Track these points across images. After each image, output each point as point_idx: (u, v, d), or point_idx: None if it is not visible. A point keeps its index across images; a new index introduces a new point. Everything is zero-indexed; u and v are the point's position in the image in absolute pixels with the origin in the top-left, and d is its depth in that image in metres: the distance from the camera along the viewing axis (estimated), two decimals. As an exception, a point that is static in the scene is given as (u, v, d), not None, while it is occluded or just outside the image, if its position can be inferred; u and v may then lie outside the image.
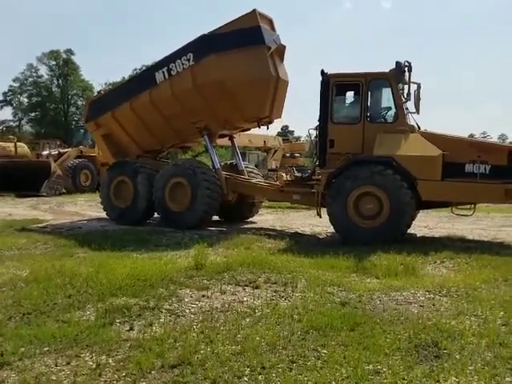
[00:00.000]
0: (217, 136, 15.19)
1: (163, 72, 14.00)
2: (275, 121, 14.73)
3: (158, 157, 16.87)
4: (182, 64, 13.62)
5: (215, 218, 14.77)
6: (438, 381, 4.22)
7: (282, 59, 13.93)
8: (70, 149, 31.13)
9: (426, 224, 14.00)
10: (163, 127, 14.70)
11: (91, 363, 4.65)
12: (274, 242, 11.27)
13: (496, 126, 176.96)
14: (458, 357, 4.67)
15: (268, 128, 14.99)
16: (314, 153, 13.94)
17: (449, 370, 4.40)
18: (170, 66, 13.85)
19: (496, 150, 11.21)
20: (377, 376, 4.32)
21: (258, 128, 14.93)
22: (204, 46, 13.32)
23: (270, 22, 13.61)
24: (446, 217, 15.15)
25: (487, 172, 10.81)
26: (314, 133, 12.70)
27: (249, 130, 15.56)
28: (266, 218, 16.58)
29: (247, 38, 12.95)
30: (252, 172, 15.73)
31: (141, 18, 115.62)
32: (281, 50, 13.79)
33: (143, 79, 14.85)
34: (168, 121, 14.51)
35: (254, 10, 13.03)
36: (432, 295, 6.80)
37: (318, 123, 12.23)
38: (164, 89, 14.07)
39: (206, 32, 13.47)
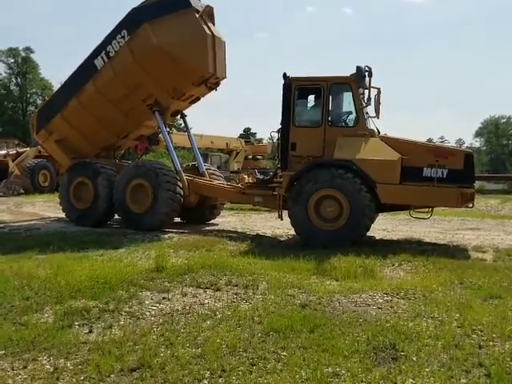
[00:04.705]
0: (169, 112, 14.93)
1: (102, 57, 13.91)
2: (222, 82, 14.71)
3: (116, 154, 16.74)
4: (118, 43, 13.59)
5: (177, 219, 14.70)
6: (396, 383, 4.29)
7: (212, 22, 14.04)
8: (28, 148, 30.52)
9: (384, 227, 14.20)
10: (114, 115, 14.56)
11: (49, 367, 4.60)
12: (236, 244, 11.28)
13: (453, 132, 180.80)
14: (415, 359, 4.76)
15: (216, 90, 14.86)
16: (275, 155, 13.98)
17: (406, 371, 4.48)
18: (108, 49, 13.78)
19: (453, 154, 11.43)
20: (336, 378, 4.37)
21: (208, 91, 14.82)
22: (135, 19, 13.41)
23: None
24: (404, 220, 15.42)
25: (444, 176, 11.01)
26: (276, 135, 12.73)
27: (199, 99, 15.28)
28: (227, 219, 16.57)
29: (174, 4, 13.23)
30: (214, 174, 15.70)
31: (103, 17, 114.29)
32: (209, 13, 13.91)
33: (84, 70, 14.49)
34: (117, 106, 14.39)
35: None
36: (390, 297, 6.91)
37: (280, 126, 12.30)
38: (106, 73, 13.95)
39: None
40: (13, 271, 7.98)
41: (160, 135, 15.51)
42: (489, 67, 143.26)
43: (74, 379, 4.36)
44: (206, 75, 13.88)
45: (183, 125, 18.02)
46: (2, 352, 4.90)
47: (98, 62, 13.98)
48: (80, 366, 4.60)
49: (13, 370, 4.54)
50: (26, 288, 7.02)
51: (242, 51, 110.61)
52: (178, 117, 16.39)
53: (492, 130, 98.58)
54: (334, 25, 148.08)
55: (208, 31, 13.49)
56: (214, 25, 14.05)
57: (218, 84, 14.71)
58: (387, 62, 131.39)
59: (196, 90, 14.63)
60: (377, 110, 12.09)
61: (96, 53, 14.09)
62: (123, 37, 13.50)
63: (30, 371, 4.51)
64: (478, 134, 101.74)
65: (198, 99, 15.28)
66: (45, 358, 4.79)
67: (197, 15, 13.33)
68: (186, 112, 16.01)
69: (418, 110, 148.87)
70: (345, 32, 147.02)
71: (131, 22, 13.48)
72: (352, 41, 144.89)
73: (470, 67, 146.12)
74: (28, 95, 73.97)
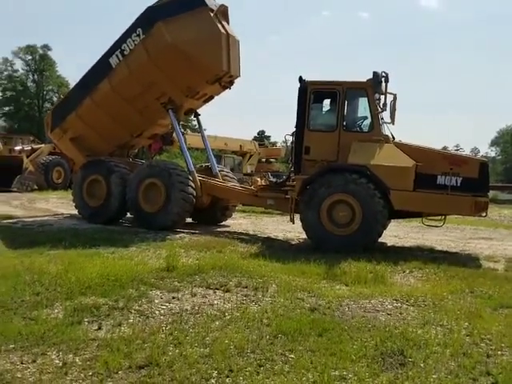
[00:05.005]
0: (182, 111, 14.98)
1: (117, 55, 14.02)
2: (236, 81, 14.76)
3: (130, 153, 16.82)
4: (133, 41, 13.70)
5: (188, 220, 14.74)
6: (403, 388, 4.29)
7: (227, 21, 14.14)
8: (43, 145, 30.76)
9: (396, 234, 14.14)
10: (129, 113, 14.65)
11: (58, 361, 4.63)
12: (247, 246, 11.28)
13: (469, 140, 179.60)
14: (422, 365, 4.75)
15: (230, 89, 14.90)
16: (289, 159, 13.99)
17: (413, 377, 4.47)
18: (123, 47, 13.89)
19: (468, 162, 11.37)
20: (343, 382, 4.37)
21: (222, 90, 14.83)
22: (151, 17, 13.50)
23: None
24: (417, 227, 15.35)
25: (458, 184, 10.95)
26: (290, 139, 12.72)
27: (212, 98, 15.32)
28: (239, 222, 16.60)
29: (189, 3, 13.37)
30: (227, 176, 15.72)
31: (118, 16, 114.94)
32: (224, 12, 14.00)
33: (99, 69, 14.60)
34: (132, 104, 14.47)
35: None
36: (399, 304, 6.89)
37: (294, 129, 12.29)
38: (121, 71, 14.06)
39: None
40: (24, 266, 8.03)
41: (174, 135, 15.57)
42: (508, 75, 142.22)
43: (82, 374, 4.39)
44: (220, 74, 13.93)
45: (197, 126, 18.03)
46: (12, 346, 4.93)
47: (113, 61, 14.09)
48: (88, 362, 4.62)
49: (22, 363, 4.58)
50: (36, 283, 7.06)
51: (255, 54, 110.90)
52: (192, 116, 16.44)
53: (508, 139, 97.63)
54: (349, 29, 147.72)
55: (222, 30, 13.57)
56: (228, 24, 14.12)
57: (232, 83, 14.76)
58: (402, 65, 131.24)
59: (210, 89, 14.66)
60: (392, 116, 12.07)
61: (111, 51, 14.20)
62: (138, 35, 13.60)
63: (38, 365, 4.55)
64: (494, 143, 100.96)
65: (211, 98, 15.31)
66: (54, 352, 4.82)
67: (211, 14, 13.41)
68: (199, 111, 16.05)
69: (432, 115, 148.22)
70: (361, 36, 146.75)
71: (146, 20, 13.58)
72: (368, 44, 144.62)
73: (487, 75, 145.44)
74: (44, 92, 74.37)
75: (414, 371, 4.60)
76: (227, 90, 14.97)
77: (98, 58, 14.60)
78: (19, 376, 4.34)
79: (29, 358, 4.68)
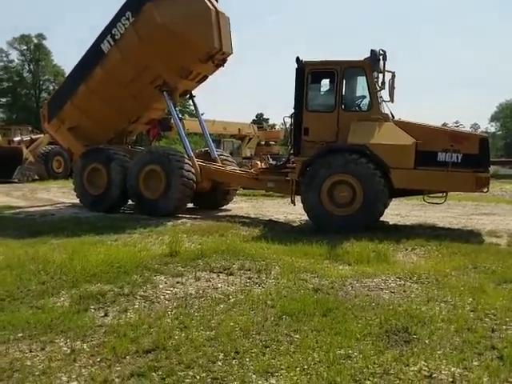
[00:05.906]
0: (177, 92, 14.96)
1: (108, 41, 14.02)
2: (229, 58, 14.71)
3: (128, 140, 16.83)
4: (123, 25, 13.69)
5: (189, 205, 14.75)
6: (408, 365, 4.30)
7: None
8: (42, 135, 30.70)
9: (398, 212, 14.16)
10: (123, 98, 14.66)
11: (66, 349, 4.66)
12: (249, 229, 11.30)
13: (468, 116, 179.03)
14: (427, 342, 4.77)
15: (224, 66, 14.85)
16: (288, 141, 13.97)
17: (418, 354, 4.49)
18: (113, 32, 13.88)
19: (468, 138, 11.35)
20: (348, 360, 4.39)
21: (215, 68, 14.80)
22: (138, 0, 13.45)
23: None
24: (418, 205, 15.37)
25: (459, 161, 10.94)
26: (288, 121, 12.71)
27: (206, 78, 15.27)
28: (240, 205, 16.61)
29: None
30: (226, 160, 15.70)
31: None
32: None
33: (91, 56, 14.57)
34: (126, 89, 14.47)
35: None
36: (403, 282, 6.92)
37: (293, 111, 12.26)
38: (114, 56, 14.04)
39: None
40: (29, 256, 8.05)
41: (172, 121, 15.55)
42: (507, 50, 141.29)
43: (90, 360, 4.42)
44: (211, 51, 13.89)
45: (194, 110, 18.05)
46: (20, 335, 4.96)
47: (105, 47, 14.09)
48: (96, 348, 4.66)
49: (31, 352, 4.61)
50: (41, 272, 7.08)
51: (254, 35, 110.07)
52: (187, 97, 16.40)
53: (508, 114, 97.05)
54: (350, 7, 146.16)
55: (211, 6, 13.56)
56: (217, 1, 14.10)
57: (224, 60, 14.70)
58: (401, 44, 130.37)
59: (203, 68, 14.60)
60: (391, 94, 12.00)
61: (102, 37, 14.18)
62: (128, 18, 13.57)
63: (47, 353, 4.58)
64: (494, 118, 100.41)
65: (205, 78, 15.26)
66: (62, 340, 4.85)
67: None
68: (194, 93, 16.07)
69: (432, 93, 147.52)
70: (359, 14, 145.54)
71: (135, 3, 13.54)
72: (366, 23, 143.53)
73: (487, 50, 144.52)
74: (41, 82, 74.24)
75: (419, 348, 4.63)
76: (221, 69, 14.92)
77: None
78: (29, 364, 4.37)
79: (37, 346, 4.71)
